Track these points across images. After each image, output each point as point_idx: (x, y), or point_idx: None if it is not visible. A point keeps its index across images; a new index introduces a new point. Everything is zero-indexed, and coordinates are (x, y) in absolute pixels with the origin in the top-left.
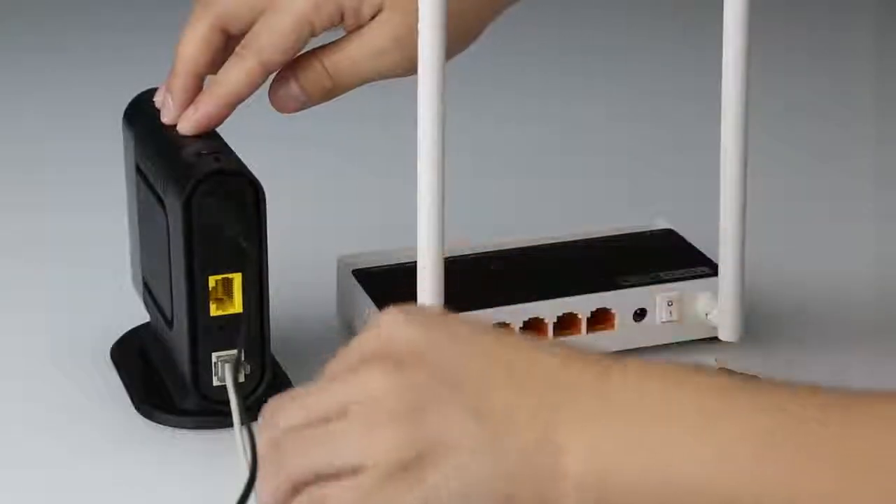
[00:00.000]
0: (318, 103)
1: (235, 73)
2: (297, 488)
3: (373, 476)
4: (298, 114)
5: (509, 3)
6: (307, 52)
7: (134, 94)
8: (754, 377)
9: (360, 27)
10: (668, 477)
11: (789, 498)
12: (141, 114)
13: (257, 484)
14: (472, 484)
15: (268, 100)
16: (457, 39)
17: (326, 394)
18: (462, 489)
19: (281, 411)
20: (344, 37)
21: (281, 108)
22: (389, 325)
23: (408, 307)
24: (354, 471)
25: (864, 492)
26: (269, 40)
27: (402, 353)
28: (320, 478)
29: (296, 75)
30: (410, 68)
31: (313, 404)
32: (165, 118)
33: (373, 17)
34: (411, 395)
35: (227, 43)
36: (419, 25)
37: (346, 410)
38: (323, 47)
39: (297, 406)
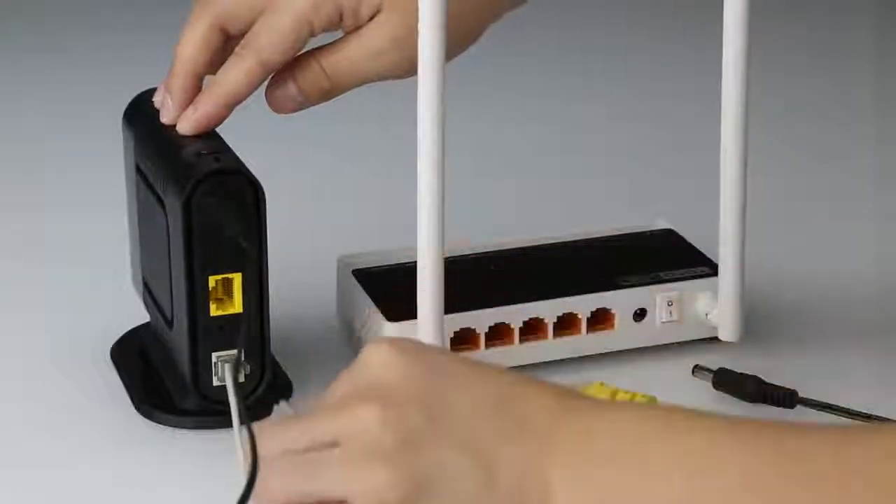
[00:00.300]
0: (316, 104)
1: (235, 73)
2: None
3: None
4: (298, 114)
5: (510, 7)
6: (305, 52)
7: (134, 94)
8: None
9: (358, 28)
10: None
11: None
12: (141, 114)
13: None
14: None
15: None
16: (456, 41)
17: (319, 423)
18: None
19: (271, 435)
20: (342, 37)
21: (278, 109)
22: (381, 360)
23: (399, 341)
24: (342, 502)
25: None
26: (268, 40)
27: (394, 389)
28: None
29: (294, 76)
30: (409, 69)
31: (305, 431)
32: (165, 118)
33: (371, 18)
34: (403, 432)
35: (227, 43)
36: (419, 25)
37: (336, 442)
38: (321, 48)
39: (289, 431)
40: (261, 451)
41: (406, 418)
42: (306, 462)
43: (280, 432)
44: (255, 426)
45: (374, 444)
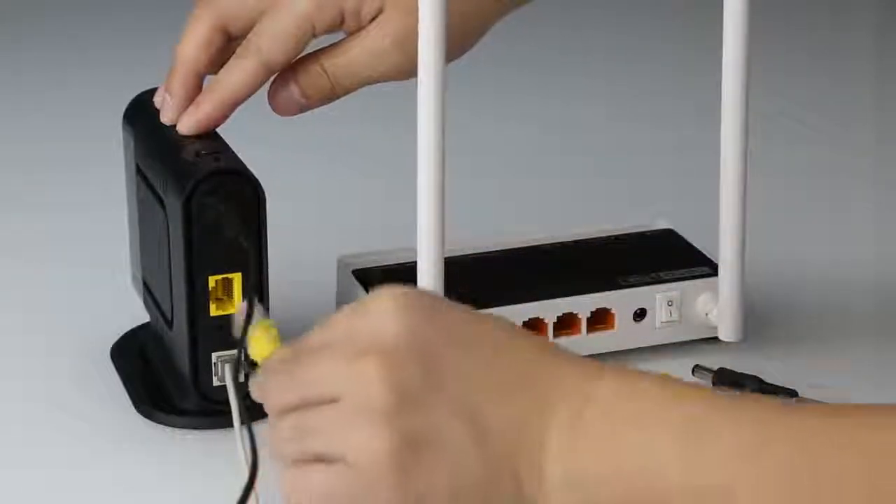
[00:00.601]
0: (318, 106)
1: (236, 73)
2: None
3: (358, 467)
4: (299, 114)
5: (512, 7)
6: (307, 54)
7: (134, 94)
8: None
9: (360, 29)
10: (650, 483)
11: None
12: (141, 114)
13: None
14: (456, 484)
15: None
16: (458, 41)
17: (318, 377)
18: (446, 488)
19: (272, 385)
20: (344, 38)
21: (281, 112)
22: (384, 311)
23: (402, 293)
24: (341, 460)
25: None
26: (270, 41)
27: (395, 344)
28: (307, 461)
29: (296, 78)
30: (411, 70)
31: (305, 385)
32: (165, 118)
33: (373, 19)
34: (400, 391)
35: (228, 43)
36: (419, 25)
37: (337, 397)
38: (322, 49)
39: (289, 384)
40: (267, 402)
41: (404, 376)
42: (312, 420)
43: (280, 384)
44: (261, 370)
45: (370, 402)
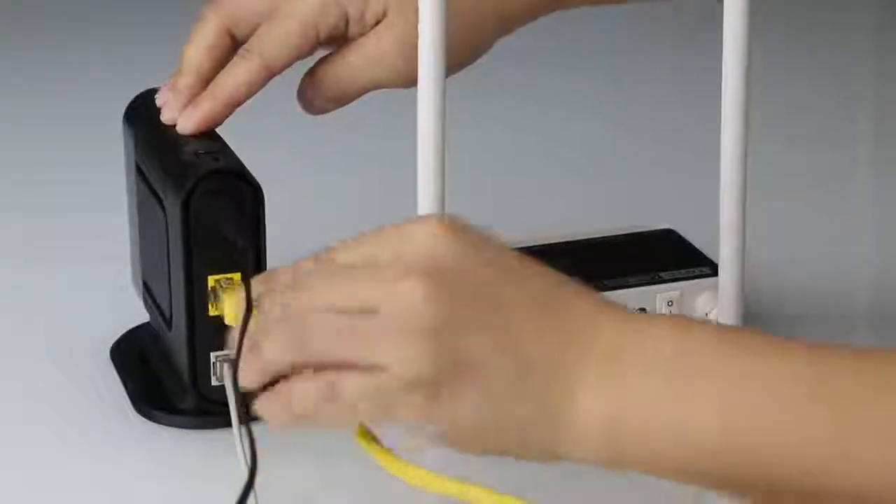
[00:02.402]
0: (322, 112)
1: (237, 73)
2: (298, 369)
3: (393, 380)
4: (298, 114)
5: (513, 28)
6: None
7: (134, 94)
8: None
9: (363, 35)
10: (685, 430)
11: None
12: (141, 114)
13: (258, 333)
14: (487, 416)
15: (267, 100)
16: (455, 60)
17: (363, 288)
18: (476, 418)
19: (306, 282)
20: (346, 44)
21: (310, 112)
22: (431, 236)
23: (448, 222)
24: (376, 369)
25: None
26: (272, 43)
27: (444, 268)
28: (336, 367)
29: (303, 83)
30: (411, 77)
31: (348, 295)
32: (166, 116)
33: (376, 25)
34: (448, 312)
35: (233, 47)
36: (419, 25)
37: (377, 309)
38: (326, 56)
39: (333, 288)
40: (304, 298)
41: (454, 299)
42: (351, 327)
43: (324, 288)
44: (303, 269)
45: (418, 319)
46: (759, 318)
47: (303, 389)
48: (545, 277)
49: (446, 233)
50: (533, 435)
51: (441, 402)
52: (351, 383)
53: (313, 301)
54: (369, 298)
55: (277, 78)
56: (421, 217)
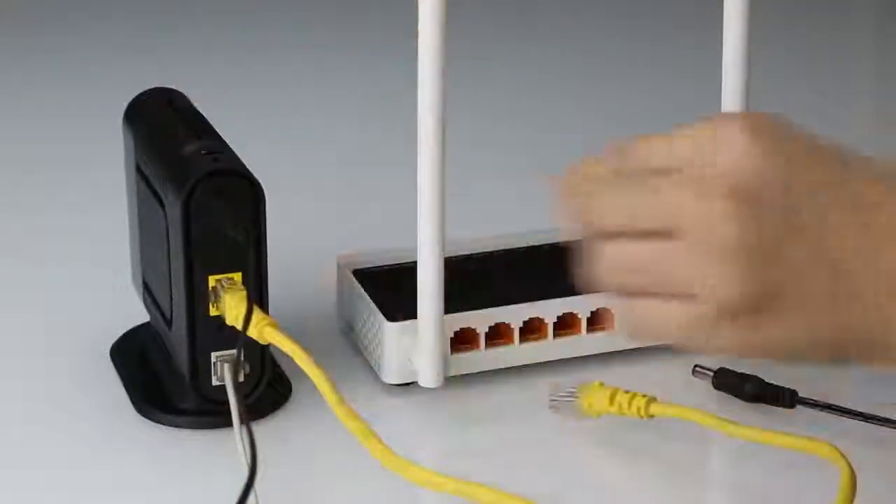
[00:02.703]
0: None
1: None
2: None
3: (706, 308)
4: (298, 114)
5: None
6: None
7: (134, 94)
8: None
9: None
10: None
11: None
12: (141, 114)
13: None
14: (806, 337)
15: (267, 100)
16: None
17: (662, 208)
18: (794, 341)
19: (604, 201)
20: None
21: None
22: (738, 146)
23: (754, 122)
24: (686, 297)
25: None
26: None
27: (755, 187)
28: (645, 292)
29: None
30: None
31: (642, 211)
32: None
33: None
34: (762, 237)
35: None
36: (419, 26)
37: (677, 232)
38: None
39: (622, 206)
40: (591, 217)
41: (765, 221)
42: (658, 253)
43: (613, 203)
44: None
45: (728, 242)
46: None
47: (651, 306)
48: (867, 194)
49: (755, 140)
50: (851, 346)
51: (762, 329)
52: (663, 311)
53: (600, 221)
54: (670, 219)
55: (277, 78)
56: (728, 117)
